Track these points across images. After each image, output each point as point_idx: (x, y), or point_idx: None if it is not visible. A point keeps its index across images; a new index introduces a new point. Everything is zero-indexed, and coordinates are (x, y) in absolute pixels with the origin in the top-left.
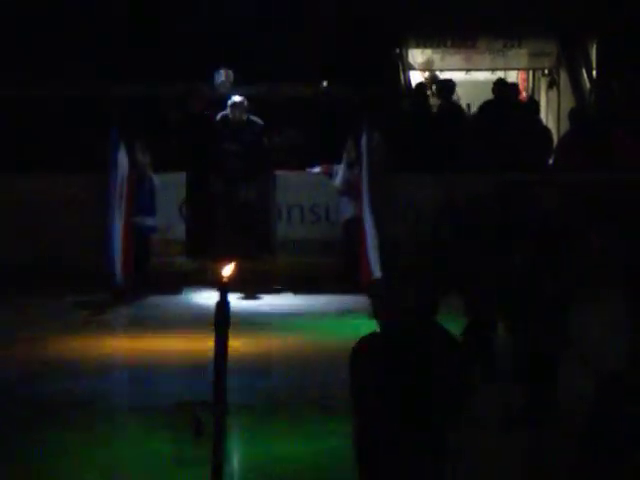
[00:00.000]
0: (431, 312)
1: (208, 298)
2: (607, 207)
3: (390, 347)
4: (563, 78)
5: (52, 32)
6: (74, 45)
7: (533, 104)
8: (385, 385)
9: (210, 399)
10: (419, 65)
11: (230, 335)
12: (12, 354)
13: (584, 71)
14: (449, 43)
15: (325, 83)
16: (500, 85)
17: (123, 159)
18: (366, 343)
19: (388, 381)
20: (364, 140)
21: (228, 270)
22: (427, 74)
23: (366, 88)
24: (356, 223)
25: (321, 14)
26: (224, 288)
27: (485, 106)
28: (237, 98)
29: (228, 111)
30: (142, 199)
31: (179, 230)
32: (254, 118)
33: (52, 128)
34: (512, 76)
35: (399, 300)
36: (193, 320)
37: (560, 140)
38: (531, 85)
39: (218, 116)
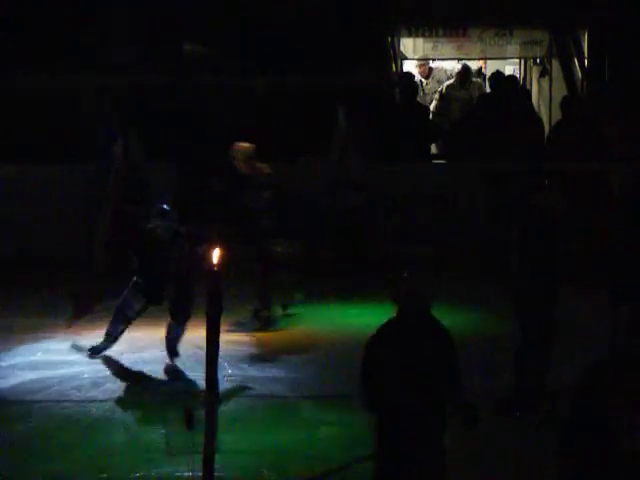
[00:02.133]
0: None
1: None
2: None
3: (406, 330)
4: (555, 67)
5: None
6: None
7: (524, 93)
8: (401, 364)
9: (202, 389)
10: (411, 54)
11: (221, 324)
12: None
13: (576, 60)
14: (441, 32)
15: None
16: (497, 78)
17: (118, 151)
18: (385, 328)
19: (404, 359)
20: (341, 128)
21: (217, 257)
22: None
23: (353, 77)
24: (355, 212)
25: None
26: (215, 276)
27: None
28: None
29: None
30: (133, 187)
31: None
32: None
33: (31, 119)
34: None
35: (416, 288)
36: None
37: (551, 129)
38: (523, 74)
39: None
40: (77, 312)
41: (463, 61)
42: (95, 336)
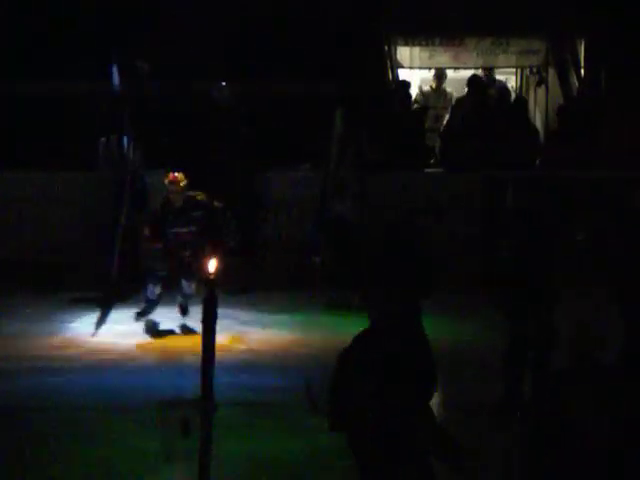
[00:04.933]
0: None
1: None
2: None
3: (379, 341)
4: (551, 76)
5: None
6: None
7: (522, 103)
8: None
9: (198, 396)
10: (407, 63)
11: (218, 332)
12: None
13: (572, 69)
14: (437, 41)
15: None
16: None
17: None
18: (358, 341)
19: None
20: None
21: (213, 266)
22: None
23: (350, 86)
24: (342, 220)
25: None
26: (211, 284)
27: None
28: (173, 176)
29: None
30: (134, 198)
31: None
32: (198, 197)
33: (37, 126)
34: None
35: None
36: (180, 316)
37: (548, 137)
38: (519, 83)
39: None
40: (100, 319)
41: (459, 70)
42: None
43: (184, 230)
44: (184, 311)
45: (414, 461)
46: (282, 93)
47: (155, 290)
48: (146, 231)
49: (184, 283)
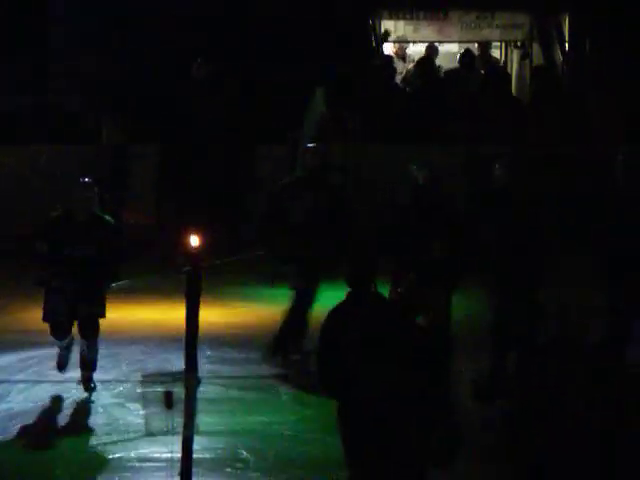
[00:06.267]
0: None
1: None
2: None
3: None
4: (536, 50)
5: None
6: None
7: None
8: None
9: (181, 370)
10: (392, 37)
11: (201, 306)
12: None
13: (557, 44)
14: (422, 15)
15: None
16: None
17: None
18: (340, 307)
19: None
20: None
21: (196, 240)
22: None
23: (336, 61)
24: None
25: None
26: (194, 259)
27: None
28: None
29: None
30: (113, 176)
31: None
32: (104, 216)
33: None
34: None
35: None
36: (164, 290)
37: (530, 104)
38: (503, 57)
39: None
40: None
41: (443, 44)
42: None
43: (84, 251)
44: (86, 366)
45: (400, 449)
46: (267, 74)
47: (62, 343)
48: (40, 248)
49: (84, 342)
